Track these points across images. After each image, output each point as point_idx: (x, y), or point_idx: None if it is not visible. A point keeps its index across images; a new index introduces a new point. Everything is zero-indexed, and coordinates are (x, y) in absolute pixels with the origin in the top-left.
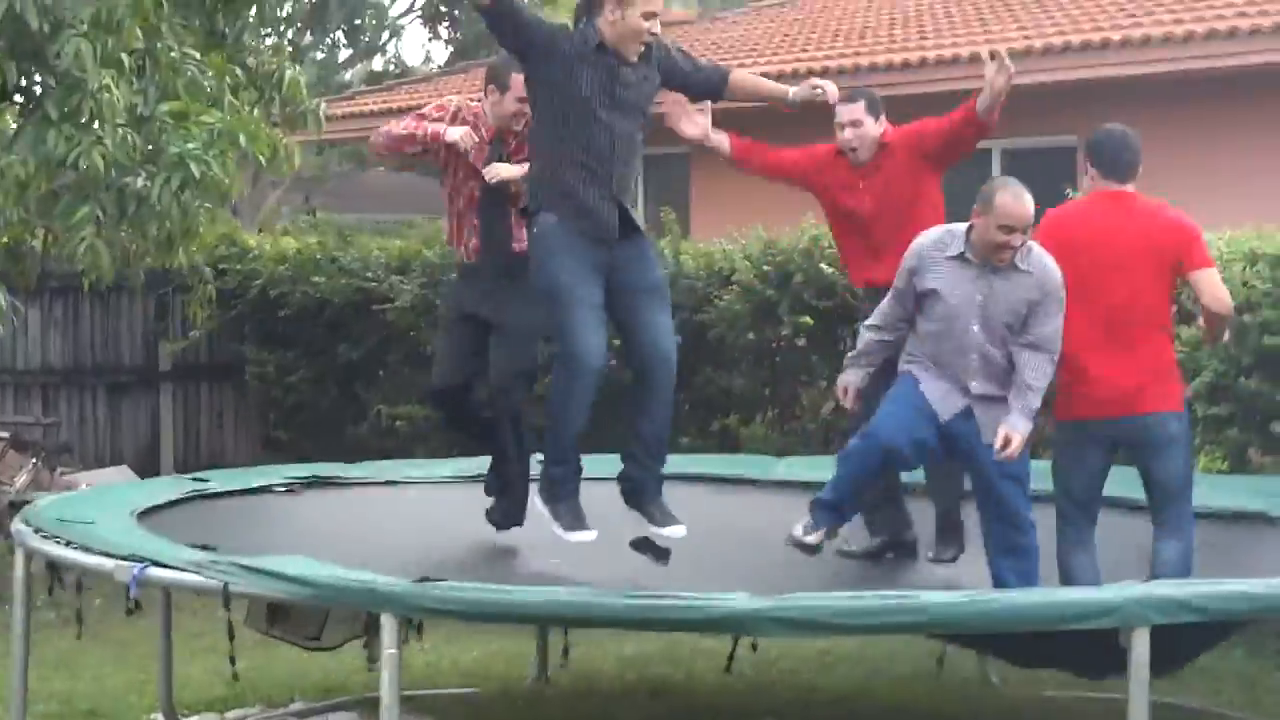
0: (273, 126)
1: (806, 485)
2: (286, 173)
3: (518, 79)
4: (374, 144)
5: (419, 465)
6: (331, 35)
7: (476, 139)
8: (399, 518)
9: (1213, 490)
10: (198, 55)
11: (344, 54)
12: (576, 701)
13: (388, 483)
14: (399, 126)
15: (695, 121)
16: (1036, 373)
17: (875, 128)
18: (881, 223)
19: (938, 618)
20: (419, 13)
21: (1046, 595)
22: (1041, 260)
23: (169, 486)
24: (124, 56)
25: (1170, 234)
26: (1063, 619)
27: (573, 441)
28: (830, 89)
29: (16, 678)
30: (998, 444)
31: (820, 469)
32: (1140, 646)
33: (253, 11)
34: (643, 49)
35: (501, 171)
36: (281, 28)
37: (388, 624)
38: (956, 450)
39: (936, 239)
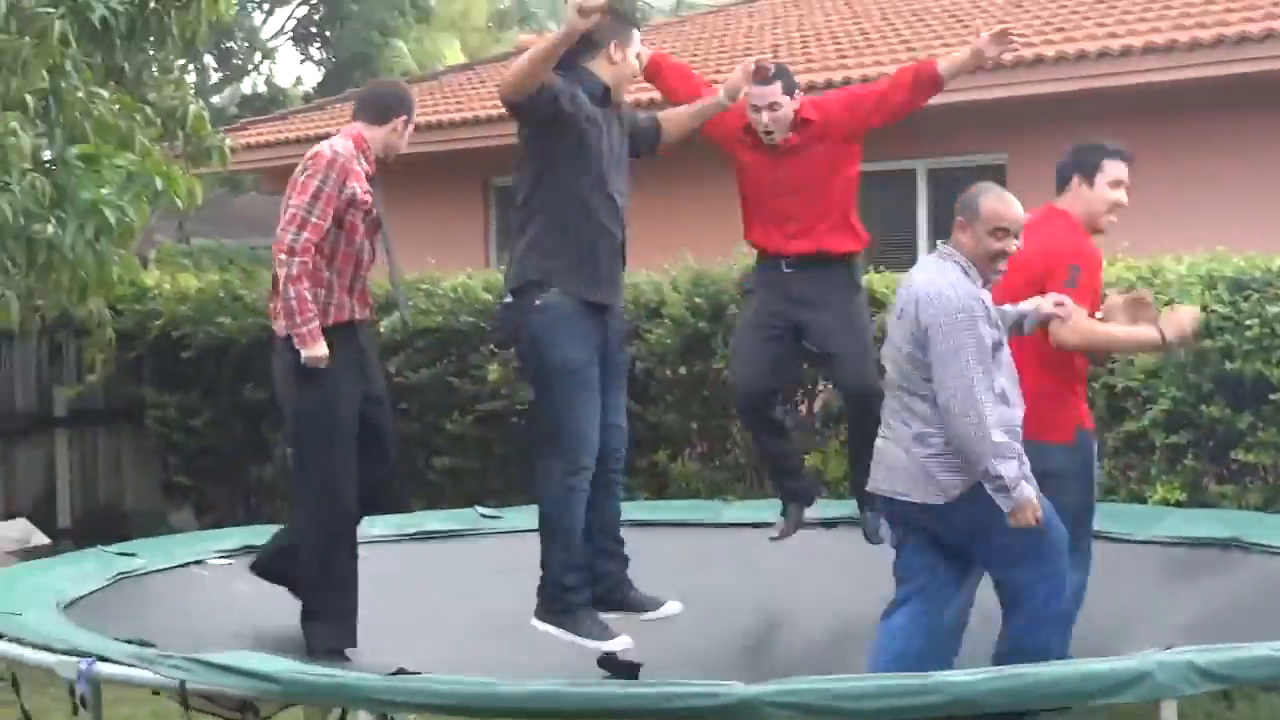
0: (175, 160)
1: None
2: (189, 209)
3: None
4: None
5: None
6: (201, 58)
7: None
8: None
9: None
10: (105, 94)
11: (214, 76)
12: None
13: None
14: (303, 302)
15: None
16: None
17: (791, 106)
18: (797, 199)
19: (958, 697)
20: (290, 34)
21: (1072, 668)
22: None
23: (94, 568)
24: (28, 98)
25: (1041, 258)
26: (1092, 693)
27: (580, 542)
28: (749, 67)
29: None
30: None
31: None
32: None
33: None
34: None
35: None
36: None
37: None
38: None
39: (962, 287)
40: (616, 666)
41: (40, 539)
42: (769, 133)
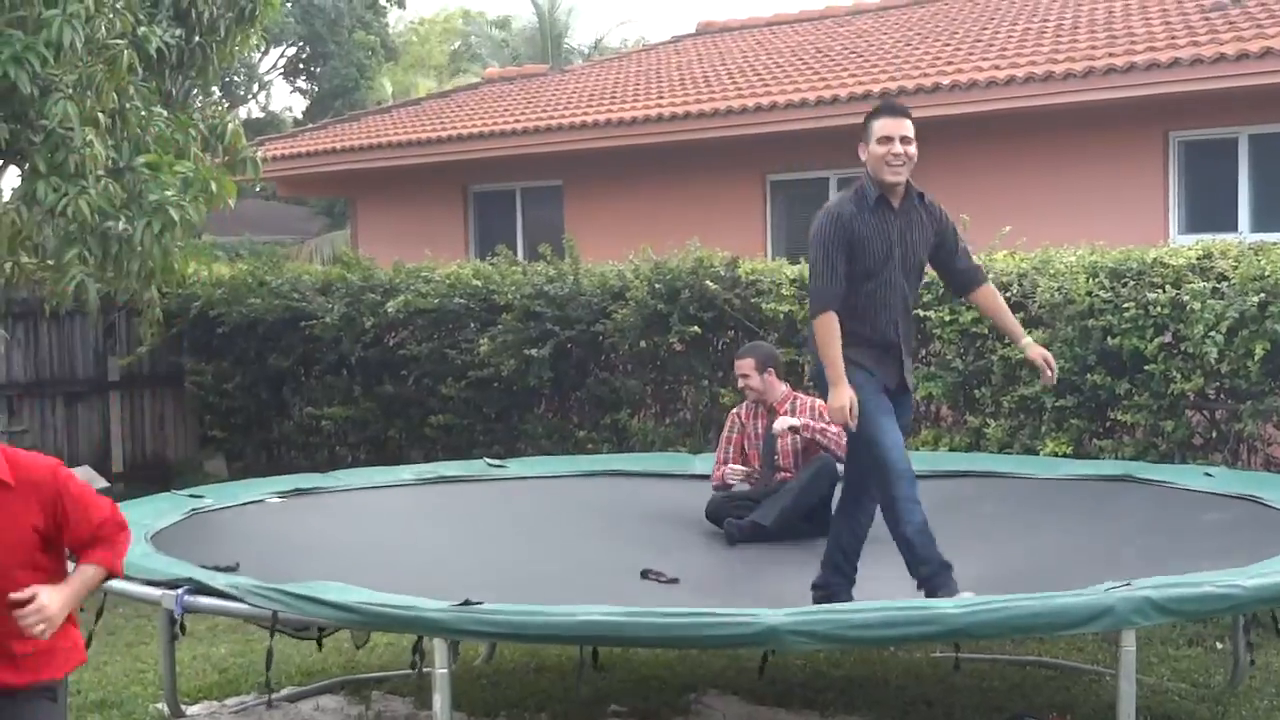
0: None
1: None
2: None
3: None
4: None
5: (383, 471)
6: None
7: None
8: (387, 522)
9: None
10: (165, 113)
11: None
12: (529, 677)
13: (364, 488)
14: None
15: None
16: None
17: None
18: None
19: (953, 627)
20: (281, 70)
21: (1048, 602)
22: None
23: (170, 505)
24: (100, 115)
25: None
26: (1065, 624)
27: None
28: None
29: None
30: None
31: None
32: (1129, 645)
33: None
34: (903, 190)
35: None
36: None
37: (439, 647)
38: None
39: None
40: None
41: (101, 482)
42: None
